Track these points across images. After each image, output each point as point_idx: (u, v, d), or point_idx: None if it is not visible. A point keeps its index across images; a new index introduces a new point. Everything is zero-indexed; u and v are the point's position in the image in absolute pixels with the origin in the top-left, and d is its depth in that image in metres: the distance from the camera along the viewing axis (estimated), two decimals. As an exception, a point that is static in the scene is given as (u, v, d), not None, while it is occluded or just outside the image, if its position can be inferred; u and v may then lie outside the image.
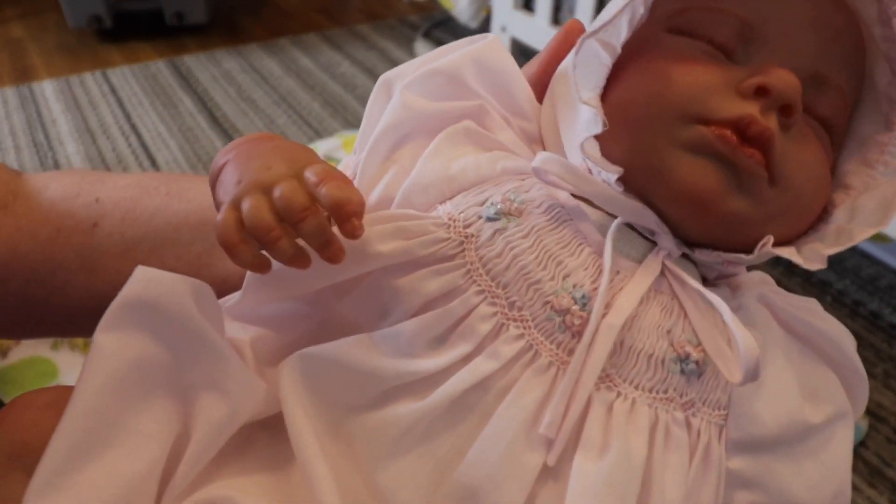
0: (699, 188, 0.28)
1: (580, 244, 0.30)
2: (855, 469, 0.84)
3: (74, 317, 0.45)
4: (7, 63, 1.80)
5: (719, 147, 0.28)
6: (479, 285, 0.29)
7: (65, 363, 0.90)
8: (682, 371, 0.29)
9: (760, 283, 0.33)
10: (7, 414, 0.31)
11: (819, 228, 0.32)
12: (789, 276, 1.14)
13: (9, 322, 0.47)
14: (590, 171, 0.31)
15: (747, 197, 0.29)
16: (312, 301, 0.33)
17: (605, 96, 0.30)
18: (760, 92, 0.28)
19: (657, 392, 0.29)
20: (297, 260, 0.28)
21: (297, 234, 0.28)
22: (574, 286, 0.29)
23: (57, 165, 1.35)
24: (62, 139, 1.45)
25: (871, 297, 1.10)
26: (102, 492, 0.27)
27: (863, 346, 1.01)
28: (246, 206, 0.28)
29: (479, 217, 0.30)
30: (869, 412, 0.91)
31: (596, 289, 0.29)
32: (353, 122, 1.54)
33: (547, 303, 0.29)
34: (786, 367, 0.30)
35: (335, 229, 0.28)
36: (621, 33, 0.29)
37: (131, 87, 1.68)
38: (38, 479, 0.27)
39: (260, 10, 2.19)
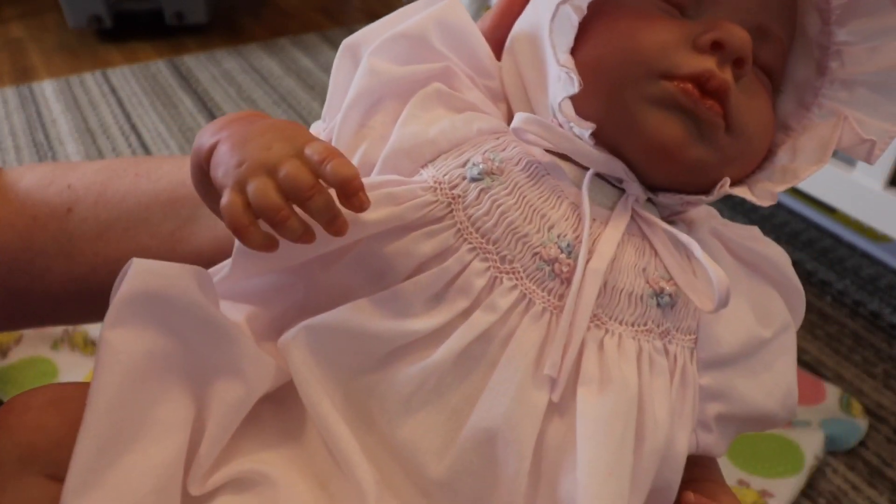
0: (667, 139, 0.31)
1: (559, 197, 0.32)
2: (855, 469, 0.84)
3: (57, 303, 0.46)
4: (7, 63, 1.80)
5: (683, 101, 0.31)
6: (470, 243, 0.31)
7: (65, 363, 0.90)
8: (658, 304, 0.32)
9: (709, 217, 0.36)
10: (6, 417, 0.31)
11: (765, 168, 0.35)
12: (789, 276, 1.14)
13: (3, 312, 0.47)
14: (561, 127, 0.33)
15: (708, 144, 0.32)
16: (295, 272, 0.33)
17: (574, 55, 0.32)
18: (716, 46, 0.31)
19: (638, 325, 0.32)
20: (305, 236, 0.29)
21: (305, 211, 0.29)
22: (559, 236, 0.31)
23: (57, 165, 1.35)
24: (62, 139, 1.45)
25: (871, 297, 1.10)
26: (138, 484, 0.28)
27: (863, 346, 1.01)
28: (252, 188, 0.28)
29: (464, 178, 0.32)
30: (869, 412, 0.91)
31: (578, 237, 0.31)
32: (353, 122, 1.54)
33: (536, 254, 0.31)
34: (739, 293, 0.33)
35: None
36: None
37: (131, 87, 1.68)
38: (72, 480, 0.27)
39: (260, 10, 2.19)
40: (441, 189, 0.32)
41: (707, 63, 0.31)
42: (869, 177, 0.89)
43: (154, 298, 0.29)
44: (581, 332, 0.30)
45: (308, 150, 0.29)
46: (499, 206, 0.31)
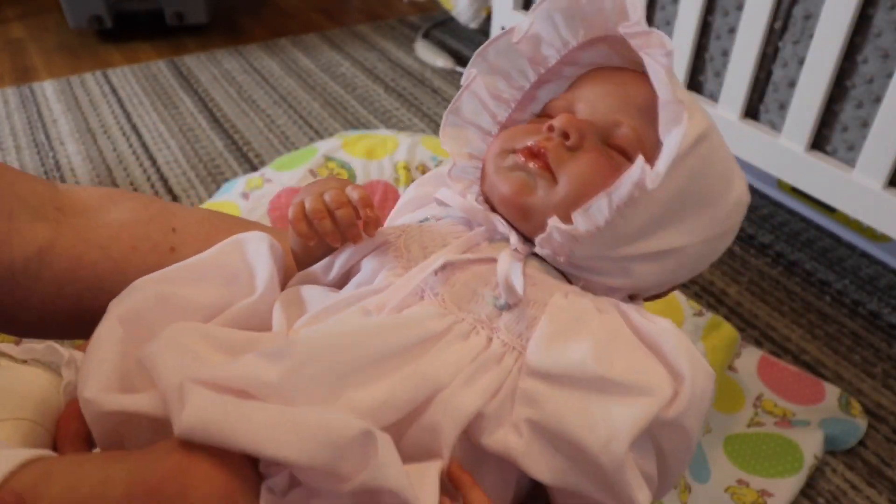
0: (510, 188, 0.45)
1: (462, 232, 0.47)
2: (854, 468, 0.84)
3: None
4: (7, 63, 1.80)
5: (519, 162, 0.45)
6: (397, 251, 0.46)
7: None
8: (495, 304, 0.42)
9: (625, 302, 0.44)
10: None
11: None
12: (789, 275, 1.14)
13: (58, 320, 0.50)
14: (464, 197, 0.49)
15: (540, 190, 0.44)
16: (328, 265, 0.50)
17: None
18: (550, 129, 0.45)
19: (476, 314, 0.41)
20: (331, 235, 0.45)
21: (335, 220, 0.45)
22: (442, 247, 0.46)
23: (58, 165, 1.35)
24: (63, 139, 1.45)
25: (871, 296, 1.11)
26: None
27: (862, 346, 1.01)
28: (308, 201, 0.45)
29: (415, 221, 0.50)
30: (868, 412, 0.91)
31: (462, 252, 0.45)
32: (353, 123, 1.54)
33: (426, 256, 0.45)
34: (597, 332, 0.40)
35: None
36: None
37: (132, 87, 1.68)
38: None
39: (260, 10, 2.19)
40: (402, 228, 0.49)
41: (538, 139, 0.45)
42: (869, 177, 0.89)
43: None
44: (414, 282, 0.42)
45: (348, 188, 0.46)
46: (421, 235, 0.47)
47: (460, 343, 0.40)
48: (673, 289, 0.49)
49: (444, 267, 0.43)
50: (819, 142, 0.96)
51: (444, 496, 0.35)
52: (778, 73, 0.98)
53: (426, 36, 1.95)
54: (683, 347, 0.40)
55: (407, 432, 0.37)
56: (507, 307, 0.41)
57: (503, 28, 1.45)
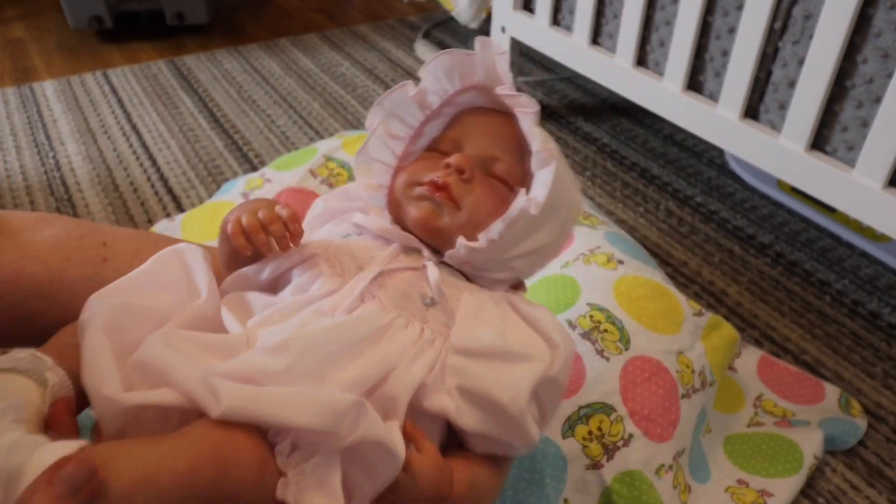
0: (420, 215, 0.56)
1: (383, 247, 0.57)
2: (854, 468, 0.84)
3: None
4: (8, 63, 1.81)
5: (426, 194, 0.56)
6: (329, 262, 0.55)
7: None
8: (423, 301, 0.53)
9: (508, 292, 0.58)
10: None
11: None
12: (789, 276, 1.14)
13: (3, 331, 0.57)
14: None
15: (446, 216, 0.56)
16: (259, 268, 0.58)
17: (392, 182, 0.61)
18: (447, 166, 0.56)
19: (410, 311, 0.53)
20: (264, 247, 0.54)
21: (268, 232, 0.53)
22: (371, 259, 0.56)
23: (58, 165, 1.35)
24: (63, 139, 1.45)
25: (870, 296, 1.11)
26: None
27: (862, 346, 1.01)
28: (244, 217, 0.53)
29: (341, 236, 0.60)
30: (868, 412, 0.91)
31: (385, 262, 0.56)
32: (353, 123, 1.54)
33: (359, 266, 0.55)
34: (495, 315, 0.53)
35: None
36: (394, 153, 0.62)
37: (132, 87, 1.68)
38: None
39: (260, 11, 2.20)
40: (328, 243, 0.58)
41: (440, 174, 0.56)
42: (868, 177, 0.89)
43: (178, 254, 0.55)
44: (359, 288, 0.53)
45: (276, 206, 0.55)
46: (349, 247, 0.57)
47: (402, 332, 0.51)
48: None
49: (379, 275, 0.54)
50: (819, 142, 0.96)
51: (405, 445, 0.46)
52: (778, 73, 0.98)
53: (426, 36, 1.95)
54: (555, 324, 0.55)
55: (370, 400, 0.46)
56: (433, 304, 0.53)
57: (503, 29, 1.46)
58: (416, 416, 0.49)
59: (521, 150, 0.58)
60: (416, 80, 0.61)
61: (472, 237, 0.55)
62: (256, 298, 0.54)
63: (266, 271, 0.56)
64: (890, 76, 0.85)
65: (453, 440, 0.53)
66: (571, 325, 0.76)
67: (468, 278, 0.57)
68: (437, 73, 0.60)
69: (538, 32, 1.39)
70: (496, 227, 0.53)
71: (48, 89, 1.66)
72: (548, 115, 1.60)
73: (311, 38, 1.98)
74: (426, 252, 0.57)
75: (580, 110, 1.63)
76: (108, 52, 1.87)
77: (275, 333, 0.48)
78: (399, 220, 0.58)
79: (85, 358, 0.44)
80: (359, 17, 2.17)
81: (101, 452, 0.36)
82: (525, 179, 0.58)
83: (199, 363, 0.43)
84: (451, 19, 1.97)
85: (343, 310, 0.50)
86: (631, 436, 0.69)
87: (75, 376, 0.45)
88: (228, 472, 0.39)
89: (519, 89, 0.60)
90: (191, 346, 0.45)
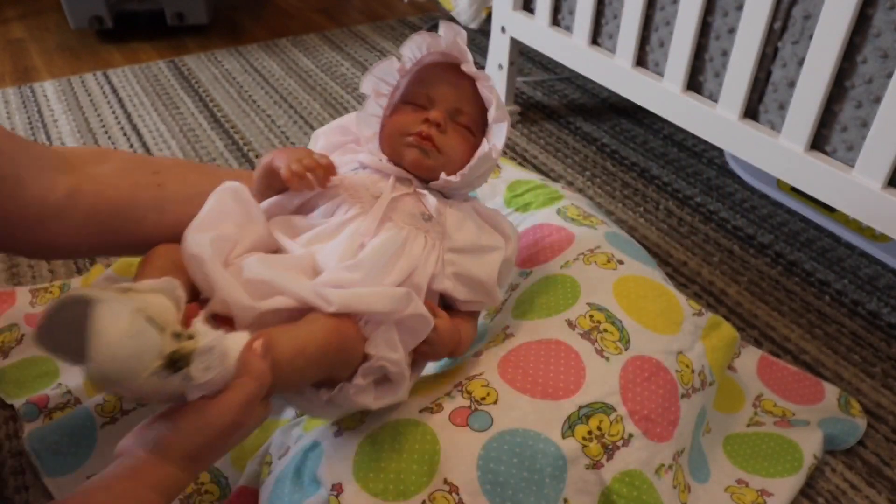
0: (413, 159, 0.72)
1: (383, 179, 0.74)
2: (854, 468, 0.84)
3: (143, 242, 0.67)
4: (8, 63, 1.81)
5: (416, 142, 0.72)
6: (348, 191, 0.72)
7: (65, 363, 0.90)
8: (423, 217, 0.71)
9: (471, 200, 0.78)
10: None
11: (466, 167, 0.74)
12: (789, 275, 1.15)
13: (89, 243, 0.71)
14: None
15: (431, 158, 0.72)
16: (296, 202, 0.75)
17: (381, 129, 0.77)
18: (427, 120, 0.72)
19: (416, 226, 0.70)
20: (310, 186, 0.68)
21: (312, 174, 0.67)
22: (379, 190, 0.72)
23: (58, 166, 1.36)
24: (63, 139, 1.45)
25: (870, 296, 1.11)
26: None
27: (861, 346, 1.01)
28: (294, 164, 0.68)
29: (350, 171, 0.76)
30: (868, 412, 0.91)
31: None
32: (353, 123, 1.54)
33: (372, 195, 0.72)
34: (472, 223, 0.74)
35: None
36: (381, 109, 0.77)
37: (132, 87, 1.68)
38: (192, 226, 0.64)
39: (260, 11, 2.20)
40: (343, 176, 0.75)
41: (423, 126, 0.72)
42: (868, 177, 0.90)
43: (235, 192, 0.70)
44: (380, 212, 0.69)
45: (314, 154, 0.70)
46: (359, 178, 0.73)
47: (415, 242, 0.69)
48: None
49: (391, 200, 0.71)
50: (818, 142, 0.96)
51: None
52: (777, 74, 0.99)
53: (426, 36, 1.95)
54: (507, 222, 0.78)
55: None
56: (429, 219, 0.71)
57: (503, 29, 1.46)
58: (429, 294, 0.70)
59: (479, 104, 0.75)
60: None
61: (450, 172, 0.73)
62: (296, 221, 0.71)
63: (297, 199, 0.72)
64: (889, 76, 0.85)
65: (446, 306, 0.74)
66: (571, 324, 0.76)
67: (444, 195, 0.76)
68: (412, 46, 0.76)
69: (538, 32, 1.39)
70: (470, 166, 0.73)
71: (49, 89, 1.66)
72: (548, 115, 1.60)
73: (312, 38, 1.98)
74: (417, 182, 0.74)
75: (580, 110, 1.63)
76: (108, 53, 1.87)
77: (331, 251, 0.66)
78: (393, 158, 0.74)
79: (218, 282, 0.60)
80: (359, 17, 2.17)
81: (270, 334, 0.56)
82: (483, 128, 0.75)
83: (296, 278, 0.62)
84: (451, 19, 1.97)
85: (371, 231, 0.68)
86: (631, 436, 0.69)
87: (186, 287, 0.58)
88: (345, 340, 0.60)
89: (477, 65, 0.77)
90: (280, 265, 0.63)
